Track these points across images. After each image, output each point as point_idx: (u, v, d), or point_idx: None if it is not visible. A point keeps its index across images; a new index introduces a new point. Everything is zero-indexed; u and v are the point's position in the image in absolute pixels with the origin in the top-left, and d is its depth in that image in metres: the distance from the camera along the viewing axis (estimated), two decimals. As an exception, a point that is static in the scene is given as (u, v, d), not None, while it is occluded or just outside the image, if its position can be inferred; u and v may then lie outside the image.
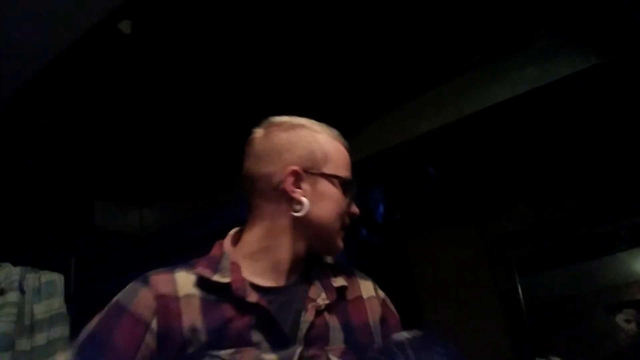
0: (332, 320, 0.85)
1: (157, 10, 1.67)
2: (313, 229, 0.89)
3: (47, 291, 2.20)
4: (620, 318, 2.19)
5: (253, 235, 0.90)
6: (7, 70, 1.83)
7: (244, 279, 0.84)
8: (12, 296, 2.10)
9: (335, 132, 0.96)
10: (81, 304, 2.40)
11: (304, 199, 0.86)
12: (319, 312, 0.84)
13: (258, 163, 0.90)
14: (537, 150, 2.36)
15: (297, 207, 0.86)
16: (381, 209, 3.20)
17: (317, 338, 0.82)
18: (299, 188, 0.87)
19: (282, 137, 0.91)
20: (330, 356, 0.82)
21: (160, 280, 0.82)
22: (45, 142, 2.27)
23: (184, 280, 0.83)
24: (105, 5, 1.60)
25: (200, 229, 2.69)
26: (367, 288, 0.95)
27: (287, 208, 0.87)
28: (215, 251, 0.90)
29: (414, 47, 1.98)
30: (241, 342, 0.79)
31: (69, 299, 2.26)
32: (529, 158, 2.39)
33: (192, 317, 0.79)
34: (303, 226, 0.88)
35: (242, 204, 0.96)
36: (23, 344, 2.05)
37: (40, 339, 2.09)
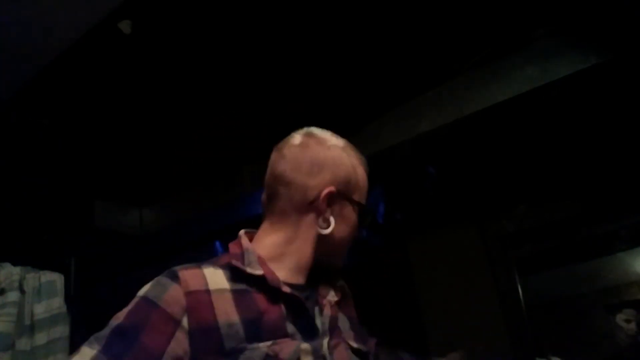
0: (339, 314, 0.93)
1: (157, 10, 1.67)
2: (330, 246, 0.94)
3: (47, 291, 2.20)
4: (620, 318, 2.19)
5: (275, 239, 0.92)
6: (7, 70, 1.83)
7: (274, 272, 0.86)
8: (12, 296, 2.10)
9: (364, 159, 1.02)
10: (81, 304, 2.40)
11: (332, 219, 0.91)
12: (332, 307, 0.91)
13: (297, 171, 0.92)
14: (537, 150, 2.36)
15: (324, 224, 0.91)
16: (381, 209, 3.20)
17: (334, 329, 0.89)
18: (330, 207, 0.92)
19: (326, 154, 0.94)
20: (349, 342, 0.90)
21: (189, 275, 0.81)
22: (45, 142, 2.27)
23: (213, 275, 0.83)
24: (105, 5, 1.60)
25: (200, 229, 2.70)
26: (346, 287, 1.04)
27: (313, 222, 0.91)
28: (234, 249, 0.91)
29: (414, 47, 1.98)
30: (278, 333, 0.81)
31: (69, 299, 2.27)
32: (529, 158, 2.39)
33: (226, 311, 0.79)
34: (322, 241, 0.93)
35: (250, 200, 0.97)
36: (23, 344, 2.05)
37: (40, 338, 2.09)
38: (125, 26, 1.68)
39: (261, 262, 0.87)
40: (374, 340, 1.10)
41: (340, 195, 0.92)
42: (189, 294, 0.78)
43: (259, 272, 0.85)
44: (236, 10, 1.71)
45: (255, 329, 0.79)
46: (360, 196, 0.97)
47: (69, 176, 2.55)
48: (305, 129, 0.99)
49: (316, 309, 0.90)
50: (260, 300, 0.83)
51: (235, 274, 0.84)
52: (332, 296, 0.94)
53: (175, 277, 0.80)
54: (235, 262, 0.85)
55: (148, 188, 2.79)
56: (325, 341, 0.85)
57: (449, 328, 2.33)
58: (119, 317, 0.78)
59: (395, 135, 2.25)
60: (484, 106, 2.01)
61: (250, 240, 0.94)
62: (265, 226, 0.94)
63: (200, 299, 0.79)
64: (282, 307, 0.84)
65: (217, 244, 2.71)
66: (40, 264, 2.28)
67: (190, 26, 1.77)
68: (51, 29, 1.67)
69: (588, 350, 2.22)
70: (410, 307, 2.51)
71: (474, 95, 2.04)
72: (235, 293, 0.82)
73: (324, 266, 0.97)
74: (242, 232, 0.95)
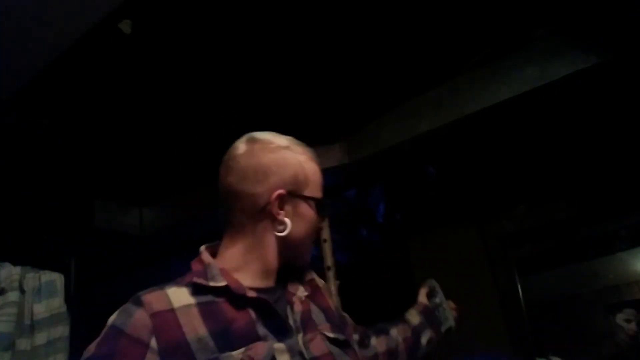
0: (312, 307, 0.96)
1: (157, 10, 1.67)
2: (292, 246, 0.95)
3: (47, 291, 2.20)
4: (620, 318, 2.19)
5: (235, 251, 0.93)
6: (7, 70, 1.83)
7: (238, 280, 0.88)
8: (12, 296, 2.10)
9: (312, 152, 1.01)
10: (81, 304, 2.40)
11: (287, 220, 0.92)
12: (302, 303, 0.94)
13: (243, 182, 0.92)
14: (537, 150, 2.37)
15: (280, 227, 0.92)
16: (381, 208, 3.21)
17: (308, 323, 0.91)
18: (282, 209, 0.92)
19: (269, 158, 0.93)
20: (325, 333, 0.92)
21: (152, 298, 0.83)
22: (45, 142, 2.27)
23: (177, 294, 0.84)
24: (105, 5, 1.60)
25: (200, 229, 2.69)
26: (317, 279, 1.06)
27: (269, 227, 0.92)
28: (196, 267, 0.92)
29: (414, 47, 1.98)
30: (250, 338, 0.82)
31: (69, 298, 2.27)
32: (529, 158, 2.39)
33: (193, 326, 0.80)
34: (283, 243, 0.93)
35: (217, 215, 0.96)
36: (23, 344, 2.05)
37: (40, 338, 2.09)
38: (125, 26, 1.68)
39: (224, 273, 0.88)
40: (358, 328, 1.12)
41: (291, 194, 0.93)
42: (153, 315, 0.80)
43: (222, 283, 0.86)
44: (236, 10, 1.71)
45: (225, 339, 0.80)
46: (313, 190, 0.97)
47: (69, 176, 2.54)
48: (247, 135, 0.99)
49: (288, 308, 0.91)
50: (227, 309, 0.84)
51: (199, 289, 0.85)
52: (301, 292, 0.96)
53: (139, 302, 0.82)
54: (196, 279, 0.86)
55: (148, 188, 2.79)
56: (300, 337, 0.87)
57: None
58: (90, 350, 0.79)
59: (395, 135, 2.25)
60: (484, 106, 2.01)
61: (212, 252, 0.95)
62: (225, 240, 0.95)
63: (166, 319, 0.80)
64: (251, 312, 0.85)
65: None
66: (40, 264, 2.28)
67: (191, 26, 1.77)
68: (51, 29, 1.67)
69: (588, 350, 2.22)
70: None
71: (474, 95, 2.04)
72: (201, 306, 0.83)
73: (291, 265, 0.98)
74: (202, 247, 0.96)
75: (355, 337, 1.08)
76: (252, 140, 0.97)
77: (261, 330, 0.84)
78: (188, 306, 0.83)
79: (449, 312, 1.30)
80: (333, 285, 2.37)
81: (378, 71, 2.10)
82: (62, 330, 2.15)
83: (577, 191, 2.29)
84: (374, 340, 1.15)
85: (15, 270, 2.17)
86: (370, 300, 2.56)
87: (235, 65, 1.98)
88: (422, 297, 1.36)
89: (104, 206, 2.79)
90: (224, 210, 0.95)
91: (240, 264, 0.92)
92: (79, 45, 1.72)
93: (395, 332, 1.20)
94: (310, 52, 1.95)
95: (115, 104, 2.13)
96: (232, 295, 0.85)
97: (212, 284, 0.86)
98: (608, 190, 2.23)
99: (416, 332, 1.24)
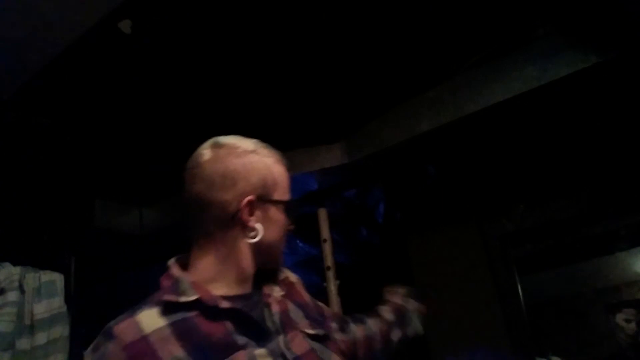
0: (289, 306, 0.95)
1: (157, 10, 1.67)
2: (265, 251, 0.94)
3: (47, 291, 2.20)
4: (620, 318, 2.19)
5: (208, 261, 0.90)
6: (8, 71, 1.83)
7: (210, 292, 0.86)
8: (12, 296, 2.10)
9: (279, 154, 0.99)
10: (81, 304, 2.40)
11: (258, 226, 0.90)
12: (279, 303, 0.93)
13: (211, 189, 0.89)
14: (537, 149, 2.37)
15: (252, 233, 0.90)
16: (381, 208, 3.21)
17: (287, 323, 0.91)
18: (253, 215, 0.91)
19: (236, 164, 0.91)
20: (306, 331, 0.91)
21: (122, 329, 0.80)
22: (45, 142, 2.27)
23: (147, 318, 0.82)
24: (105, 5, 1.60)
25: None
26: (290, 275, 1.06)
27: (240, 234, 0.91)
28: (165, 282, 0.89)
29: (414, 47, 1.98)
30: (229, 349, 0.80)
31: (69, 298, 2.27)
32: (529, 158, 2.39)
33: (169, 350, 0.78)
34: (256, 249, 0.92)
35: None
36: (23, 344, 2.05)
37: (40, 338, 2.09)
38: (125, 26, 1.68)
39: (196, 286, 0.85)
40: (336, 315, 1.12)
41: (261, 199, 0.91)
42: (125, 347, 0.78)
43: (193, 297, 0.83)
44: (236, 10, 1.71)
45: (204, 354, 0.79)
46: (281, 194, 0.95)
47: (69, 176, 2.54)
48: (211, 140, 0.96)
49: (265, 311, 0.91)
50: (201, 323, 0.82)
51: (170, 308, 0.83)
52: (277, 292, 0.96)
53: (110, 336, 0.80)
54: (166, 297, 0.84)
55: (148, 188, 2.79)
56: (281, 338, 0.87)
57: (449, 328, 2.34)
58: None
59: (395, 135, 2.25)
60: (484, 106, 2.01)
61: (182, 264, 0.92)
62: (195, 250, 0.92)
63: (140, 348, 0.78)
64: (227, 323, 0.83)
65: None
66: (40, 264, 2.28)
67: (191, 26, 1.77)
68: (51, 28, 1.67)
69: (588, 350, 2.22)
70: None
71: (474, 94, 2.04)
72: (174, 326, 0.81)
73: (266, 269, 0.97)
74: (171, 261, 0.94)
75: (334, 325, 1.07)
76: (217, 146, 0.94)
77: (240, 339, 0.82)
78: (160, 329, 0.80)
79: (417, 319, 1.33)
80: (333, 285, 2.37)
81: (378, 71, 2.10)
82: (62, 330, 2.15)
83: (577, 191, 2.29)
84: (352, 327, 1.14)
85: (15, 270, 2.17)
86: (370, 300, 2.56)
87: (235, 65, 1.98)
88: (397, 298, 1.34)
89: (104, 206, 2.78)
90: (191, 220, 0.93)
91: (214, 275, 0.89)
92: (79, 45, 1.72)
93: (371, 322, 1.20)
94: (310, 52, 1.95)
95: (115, 103, 2.13)
96: (205, 307, 0.83)
97: (182, 299, 0.83)
98: (608, 190, 2.23)
99: (389, 327, 1.23)
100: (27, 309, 2.12)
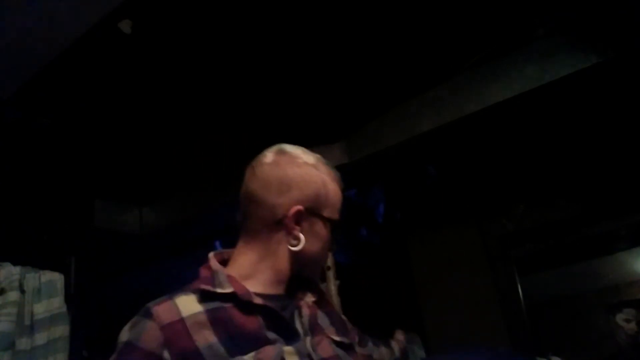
0: (318, 312, 0.99)
1: (157, 10, 1.67)
2: (304, 261, 0.97)
3: (47, 291, 2.20)
4: (620, 318, 2.19)
5: (248, 258, 0.95)
6: (7, 70, 1.83)
7: (245, 287, 0.90)
8: (12, 296, 2.10)
9: (338, 175, 1.04)
10: (81, 304, 2.40)
11: (301, 236, 0.93)
12: (309, 308, 0.97)
13: (266, 190, 0.94)
14: (537, 150, 2.37)
15: (294, 242, 0.94)
16: (381, 208, 3.21)
17: (315, 327, 0.94)
18: (299, 225, 0.94)
19: (294, 172, 0.95)
20: (332, 337, 0.95)
21: (161, 310, 0.85)
22: (46, 141, 2.27)
23: (185, 302, 0.86)
24: (105, 5, 1.60)
25: (200, 229, 2.69)
26: (320, 286, 1.08)
27: (284, 239, 0.94)
28: (204, 273, 0.94)
29: (414, 47, 1.98)
30: (260, 342, 0.84)
31: (69, 298, 2.27)
32: (529, 158, 2.39)
33: (203, 334, 0.82)
34: (295, 257, 0.95)
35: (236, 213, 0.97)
36: (23, 344, 2.05)
37: (40, 338, 2.09)
38: (125, 26, 1.68)
39: (231, 280, 0.90)
40: (356, 330, 1.15)
41: (309, 212, 0.94)
42: (164, 327, 0.82)
43: (229, 289, 0.88)
44: (236, 10, 1.71)
45: (235, 343, 0.82)
46: (331, 212, 0.99)
47: (69, 175, 2.55)
48: (277, 146, 1.00)
49: (295, 313, 0.94)
50: (235, 315, 0.86)
51: (207, 296, 0.88)
52: (309, 297, 0.99)
53: (148, 314, 0.84)
54: (204, 286, 0.88)
55: (148, 188, 2.79)
56: (308, 340, 0.90)
57: (449, 328, 2.34)
58: None
59: (396, 135, 2.25)
60: (484, 106, 2.01)
61: (221, 259, 0.97)
62: (240, 245, 0.97)
63: (176, 329, 0.82)
64: (259, 317, 0.87)
65: (217, 244, 2.71)
66: (40, 264, 2.28)
67: (191, 26, 1.77)
68: (51, 28, 1.67)
69: (588, 350, 2.22)
70: (410, 307, 2.51)
71: (474, 94, 2.04)
72: (209, 313, 0.85)
73: (302, 277, 1.00)
74: (211, 254, 0.98)
75: (357, 338, 1.10)
76: (281, 152, 0.99)
77: (271, 334, 0.86)
78: (197, 314, 0.85)
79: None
80: (333, 285, 2.37)
81: (378, 71, 2.10)
82: (62, 330, 2.15)
83: (577, 191, 2.29)
84: (370, 345, 1.18)
85: (15, 270, 2.17)
86: (370, 300, 2.56)
87: (235, 65, 1.98)
88: (402, 337, 1.39)
89: (104, 206, 2.78)
90: (242, 215, 0.97)
91: (251, 272, 0.93)
92: (79, 44, 1.72)
93: (384, 350, 1.24)
94: (310, 51, 1.95)
95: (115, 103, 2.13)
96: (239, 301, 0.87)
97: (219, 290, 0.88)
98: (608, 190, 2.23)
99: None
100: (27, 309, 2.12)
